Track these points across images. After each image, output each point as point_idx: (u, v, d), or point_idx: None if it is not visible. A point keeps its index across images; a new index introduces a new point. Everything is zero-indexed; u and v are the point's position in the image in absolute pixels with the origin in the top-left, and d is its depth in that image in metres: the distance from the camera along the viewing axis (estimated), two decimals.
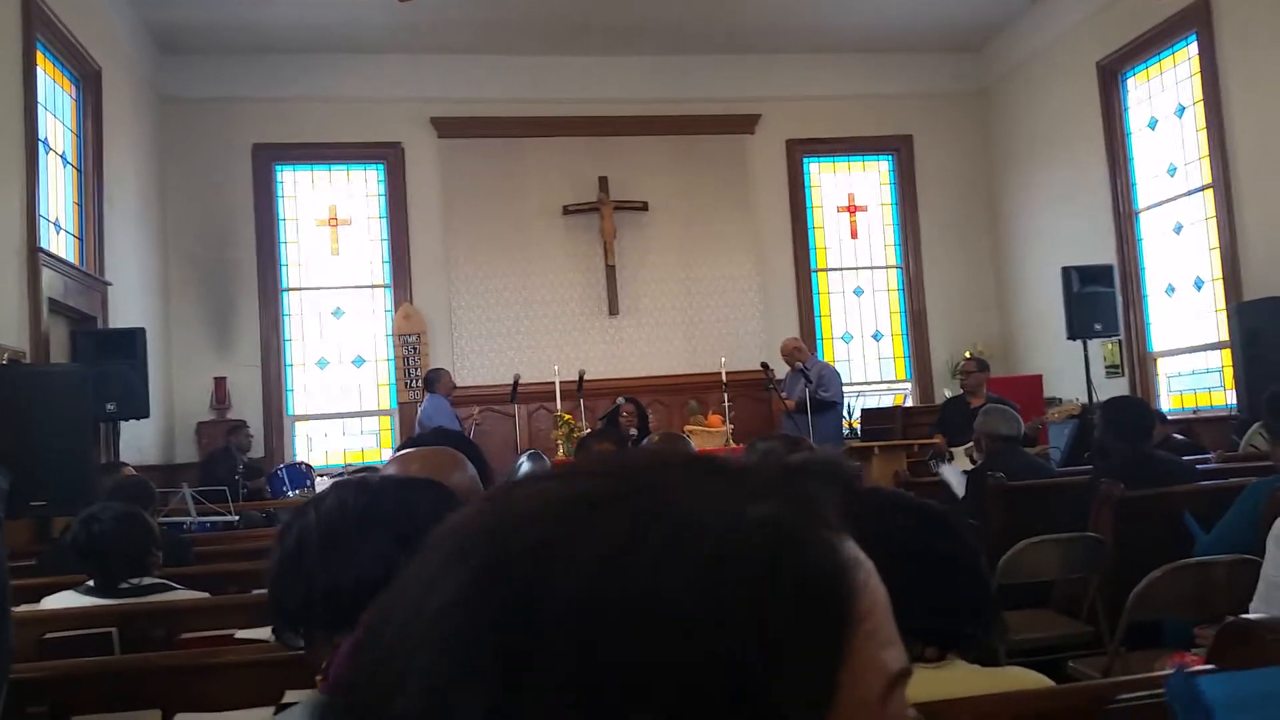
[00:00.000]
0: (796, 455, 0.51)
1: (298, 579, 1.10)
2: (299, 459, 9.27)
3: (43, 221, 6.53)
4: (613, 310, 9.92)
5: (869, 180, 10.88)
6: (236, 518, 6.60)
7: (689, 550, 0.43)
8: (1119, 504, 3.68)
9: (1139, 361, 8.67)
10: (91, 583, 2.75)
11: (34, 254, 6.27)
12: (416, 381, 9.59)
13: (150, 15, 8.59)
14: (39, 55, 6.66)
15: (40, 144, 6.59)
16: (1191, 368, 8.39)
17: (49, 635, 2.52)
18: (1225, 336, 7.65)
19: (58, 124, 7.22)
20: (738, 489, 0.47)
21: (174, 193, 9.40)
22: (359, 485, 1.17)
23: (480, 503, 0.49)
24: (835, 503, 0.49)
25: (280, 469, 8.33)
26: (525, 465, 4.21)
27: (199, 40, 9.08)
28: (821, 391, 7.61)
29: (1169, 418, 7.41)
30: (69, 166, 7.40)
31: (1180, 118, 8.34)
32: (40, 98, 6.64)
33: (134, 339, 6.86)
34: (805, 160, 10.63)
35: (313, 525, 1.12)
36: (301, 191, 9.93)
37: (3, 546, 0.91)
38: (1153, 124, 8.65)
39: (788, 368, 8.14)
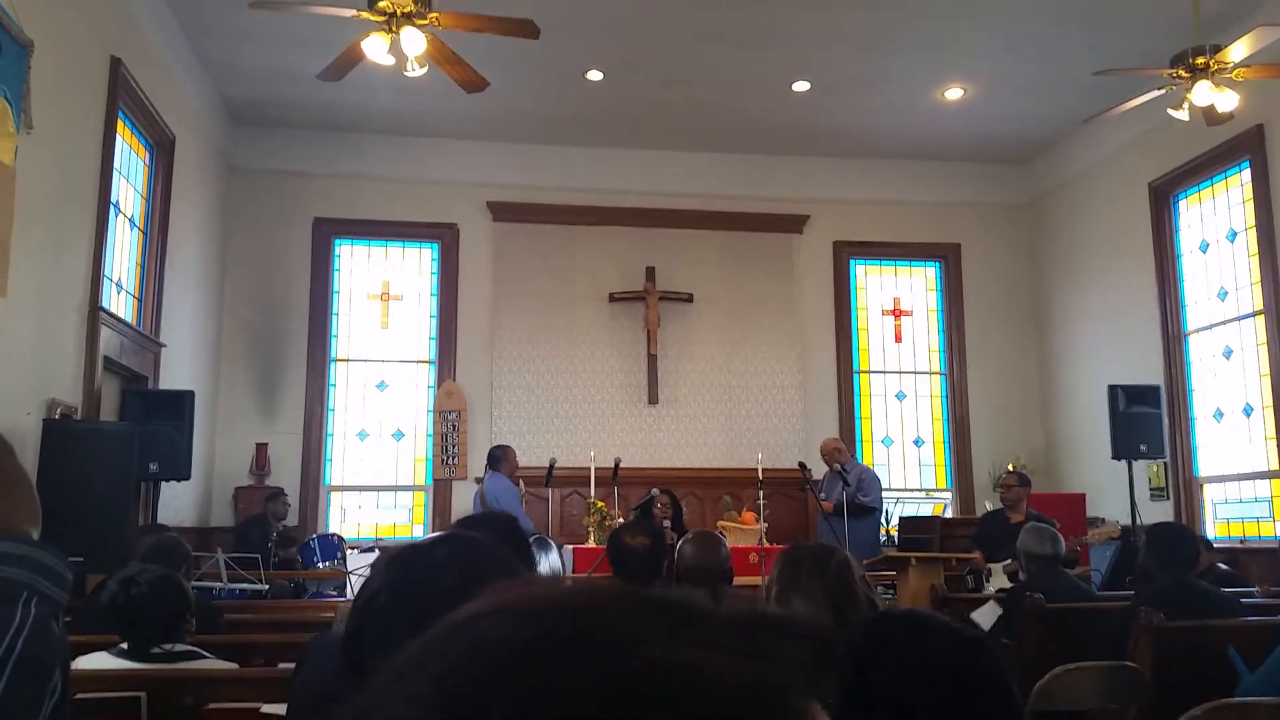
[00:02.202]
0: (770, 610, 0.48)
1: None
2: (332, 529, 9.29)
3: (106, 281, 6.73)
4: (652, 399, 9.95)
5: (915, 285, 10.92)
6: (267, 586, 6.61)
7: (652, 698, 0.40)
8: (1159, 634, 3.59)
9: (1184, 486, 8.50)
10: (125, 645, 2.77)
11: (95, 312, 6.44)
12: (454, 459, 9.63)
13: (226, 89, 8.94)
14: (119, 122, 6.94)
15: (111, 206, 6.83)
16: (1239, 495, 8.21)
17: (79, 695, 2.53)
18: (1276, 466, 7.50)
19: (129, 188, 7.48)
20: (704, 639, 0.44)
21: (234, 260, 9.66)
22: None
23: (434, 633, 0.46)
24: (805, 666, 0.45)
25: (313, 539, 8.35)
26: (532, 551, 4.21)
27: (270, 115, 9.43)
28: (861, 496, 7.54)
29: (1214, 545, 7.23)
30: (135, 229, 7.64)
31: (1232, 242, 8.32)
32: (116, 163, 6.89)
33: (182, 401, 6.98)
34: (852, 262, 10.70)
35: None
36: (357, 265, 10.15)
37: (66, 642, 0.93)
38: (1204, 247, 8.63)
39: (826, 468, 8.08)
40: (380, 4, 5.18)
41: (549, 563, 4.16)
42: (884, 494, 8.37)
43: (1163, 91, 6.05)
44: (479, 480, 8.69)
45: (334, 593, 7.59)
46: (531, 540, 4.27)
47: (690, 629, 0.44)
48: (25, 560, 0.85)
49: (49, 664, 0.92)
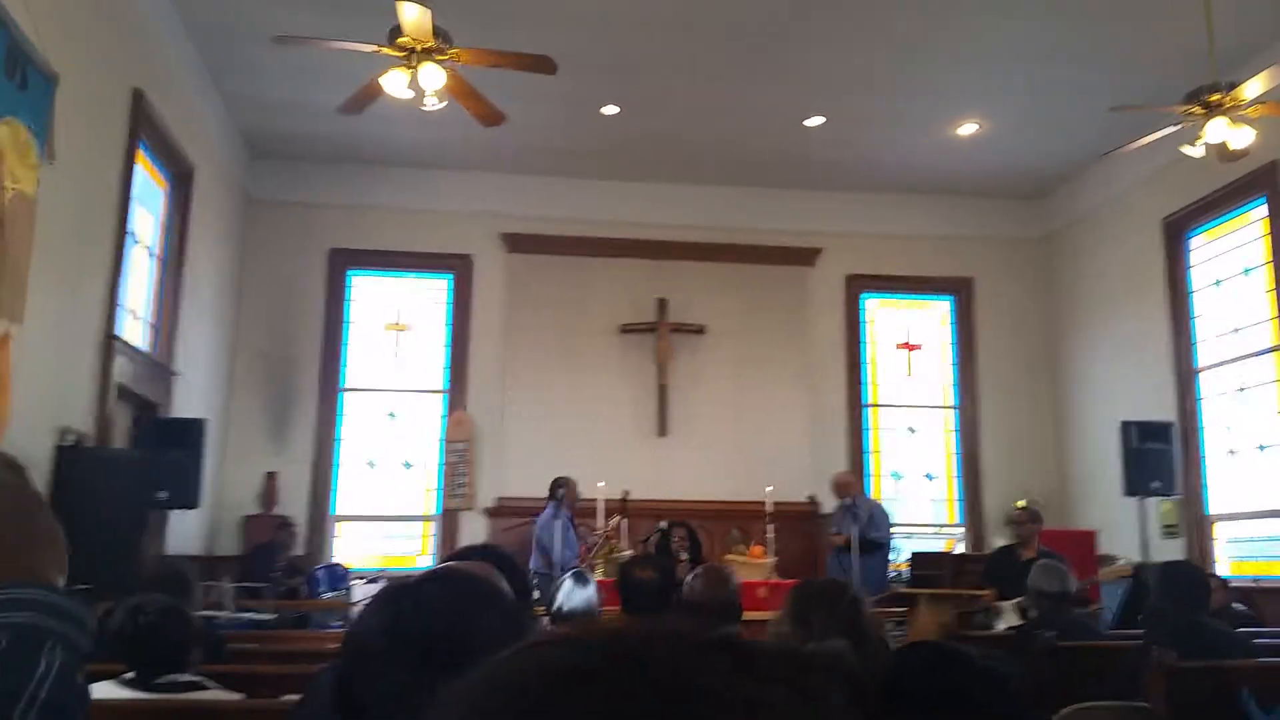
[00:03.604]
0: (811, 648, 0.51)
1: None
2: (338, 559, 9.28)
3: (121, 310, 6.79)
4: (662, 431, 9.94)
5: (927, 319, 10.91)
6: (272, 616, 6.60)
7: None
8: (1171, 674, 3.56)
9: (1197, 524, 8.43)
10: (131, 675, 2.77)
11: (109, 340, 6.49)
12: (463, 489, 9.62)
13: (245, 120, 9.05)
14: (139, 153, 7.03)
15: (129, 236, 6.90)
16: (1252, 534, 8.14)
17: None
18: None
19: (148, 217, 7.56)
20: (760, 674, 0.46)
21: (249, 289, 9.74)
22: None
23: (488, 667, 0.48)
24: (841, 700, 0.47)
25: (319, 569, 8.34)
26: (568, 584, 4.18)
27: (288, 147, 9.53)
28: (871, 531, 7.52)
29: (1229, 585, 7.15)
30: (153, 258, 7.72)
31: (1247, 278, 8.30)
32: (135, 192, 6.97)
33: (194, 429, 7.00)
34: (864, 296, 10.71)
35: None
36: (371, 295, 10.22)
37: (87, 691, 0.93)
38: (1218, 283, 8.61)
39: (836, 501, 8.05)
40: (400, 40, 5.25)
41: (584, 596, 4.14)
42: (893, 529, 8.32)
43: (1177, 128, 6.06)
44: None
45: (339, 623, 7.57)
46: (569, 574, 4.25)
47: (746, 665, 0.46)
48: (51, 608, 0.87)
49: (72, 712, 0.93)
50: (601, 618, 4.35)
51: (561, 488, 7.91)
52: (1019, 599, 6.24)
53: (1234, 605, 6.42)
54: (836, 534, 7.81)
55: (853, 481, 8.15)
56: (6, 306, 5.07)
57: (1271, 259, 7.86)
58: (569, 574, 4.24)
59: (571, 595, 4.10)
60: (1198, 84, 5.83)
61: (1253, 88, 5.51)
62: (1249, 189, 8.01)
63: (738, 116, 8.78)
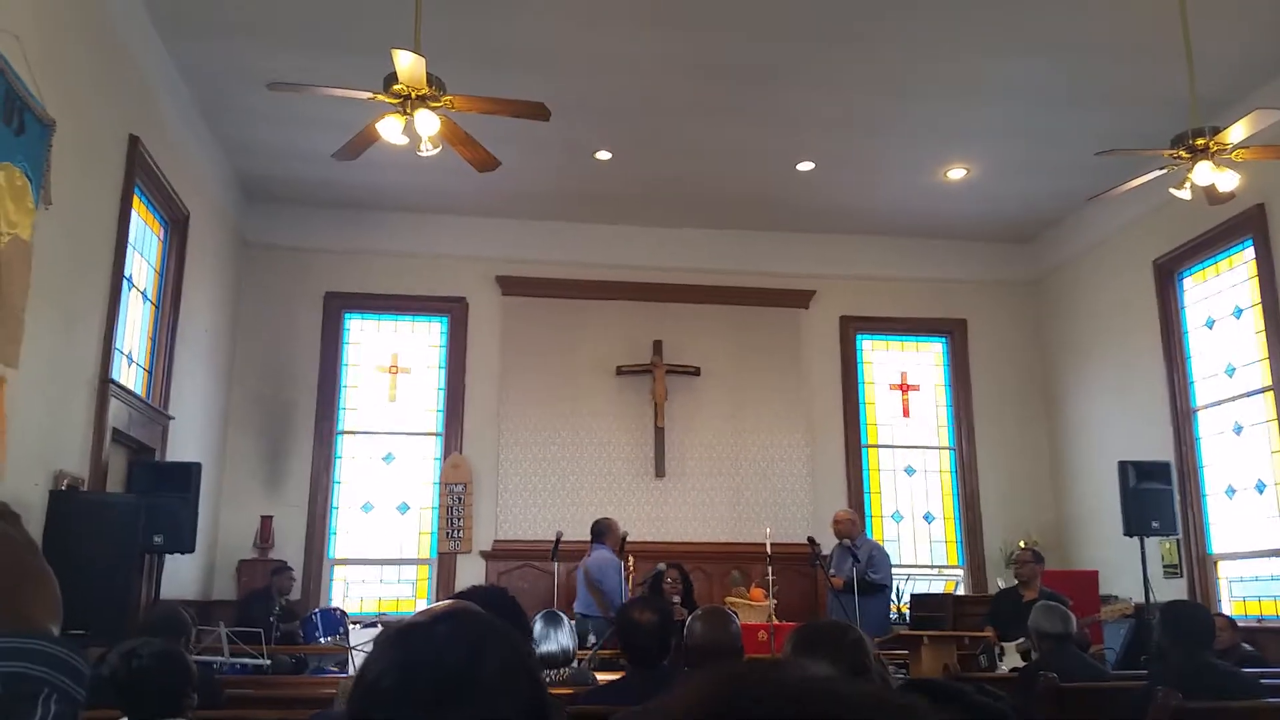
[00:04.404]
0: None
1: None
2: (334, 603, 9.20)
3: (116, 354, 6.78)
4: (659, 472, 9.91)
5: (922, 360, 10.94)
6: (268, 661, 6.52)
7: None
8: (1177, 715, 3.52)
9: (1199, 563, 8.40)
10: (125, 719, 2.73)
11: (104, 385, 6.47)
12: (459, 532, 9.57)
13: (241, 166, 9.11)
14: (135, 198, 7.06)
15: (125, 280, 6.91)
16: (1255, 573, 8.10)
17: None
18: None
19: (143, 262, 7.58)
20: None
21: (245, 333, 9.74)
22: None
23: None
24: None
25: (315, 613, 8.26)
26: (538, 625, 4.16)
27: (283, 191, 9.58)
28: (871, 573, 7.47)
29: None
30: (148, 303, 7.72)
31: (1238, 319, 8.35)
32: (130, 238, 6.99)
33: (189, 473, 6.97)
34: (859, 337, 10.74)
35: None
36: (366, 338, 10.22)
37: None
38: (1210, 323, 8.66)
39: (835, 541, 8.00)
40: (396, 87, 5.30)
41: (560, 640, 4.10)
42: (894, 571, 8.27)
43: (1164, 171, 6.13)
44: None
45: (335, 668, 7.49)
46: (540, 615, 4.22)
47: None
48: (46, 657, 0.85)
49: None
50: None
51: (605, 529, 7.87)
52: (1020, 640, 6.20)
53: (1244, 645, 6.37)
54: (834, 575, 7.75)
55: (855, 520, 8.11)
56: (2, 351, 5.06)
57: (1260, 300, 7.91)
58: (540, 615, 4.22)
59: (546, 638, 4.08)
60: (1181, 129, 5.90)
61: (1236, 132, 5.58)
62: (1237, 231, 8.09)
63: (730, 161, 8.86)
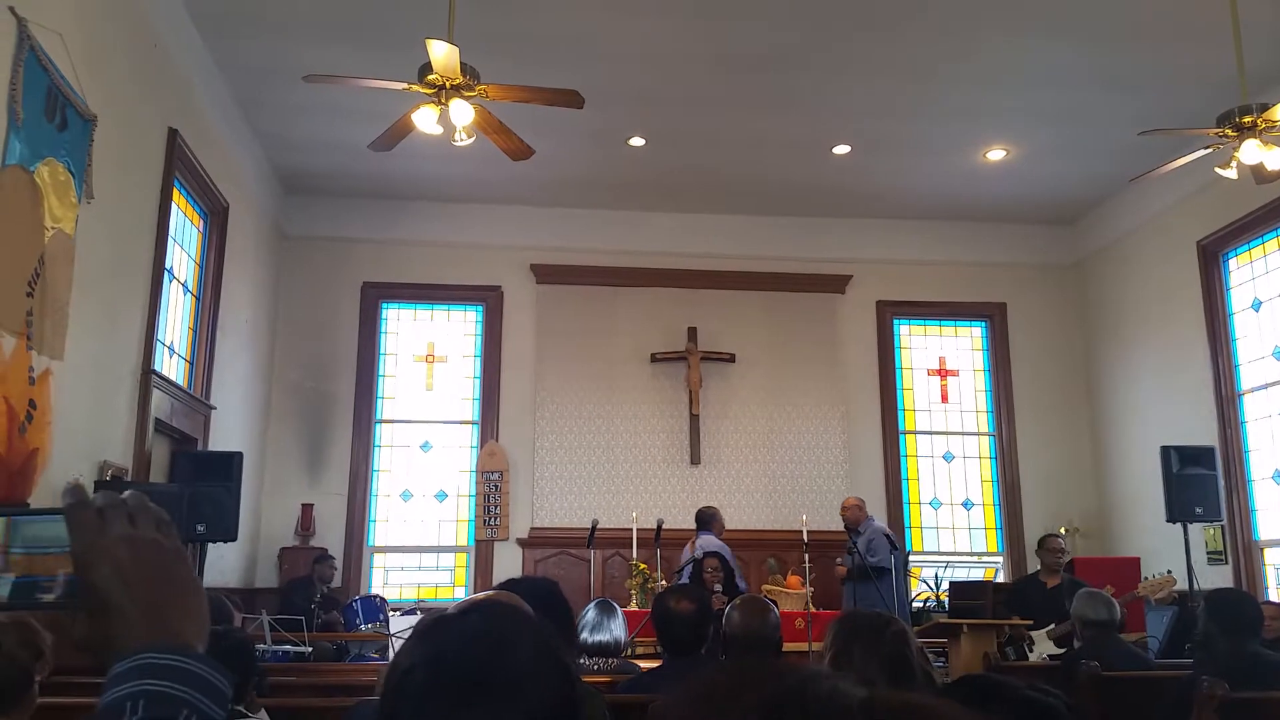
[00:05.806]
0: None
1: None
2: (374, 591, 9.29)
3: (158, 345, 6.87)
4: (694, 460, 9.90)
5: (961, 345, 10.82)
6: (309, 649, 6.60)
7: None
8: (1223, 705, 3.46)
9: (1244, 550, 8.26)
10: None
11: (147, 376, 6.57)
12: (496, 520, 9.63)
13: (278, 158, 9.18)
14: (175, 191, 7.14)
15: (165, 272, 7.00)
16: None
17: None
18: None
19: (183, 254, 7.67)
20: None
21: (284, 324, 9.84)
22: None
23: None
24: None
25: (355, 601, 8.34)
26: (591, 613, 4.15)
27: (321, 184, 9.66)
28: (870, 557, 7.50)
29: None
30: (188, 294, 7.82)
31: None
32: (171, 230, 7.08)
33: (231, 463, 7.04)
34: (896, 322, 10.65)
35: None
36: (403, 328, 10.29)
37: None
38: (1256, 305, 8.49)
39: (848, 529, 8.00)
40: (430, 77, 5.31)
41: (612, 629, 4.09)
42: (933, 557, 8.25)
43: (1209, 150, 6.00)
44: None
45: (376, 655, 7.57)
46: (594, 604, 4.20)
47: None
48: (190, 676, 0.83)
49: None
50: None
51: (711, 517, 7.94)
52: (1051, 626, 6.14)
53: None
54: (839, 564, 7.89)
55: (859, 505, 8.12)
56: (47, 343, 5.15)
57: None
58: (594, 603, 4.21)
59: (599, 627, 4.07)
60: (1227, 106, 5.77)
61: None
62: None
63: (764, 146, 8.79)
